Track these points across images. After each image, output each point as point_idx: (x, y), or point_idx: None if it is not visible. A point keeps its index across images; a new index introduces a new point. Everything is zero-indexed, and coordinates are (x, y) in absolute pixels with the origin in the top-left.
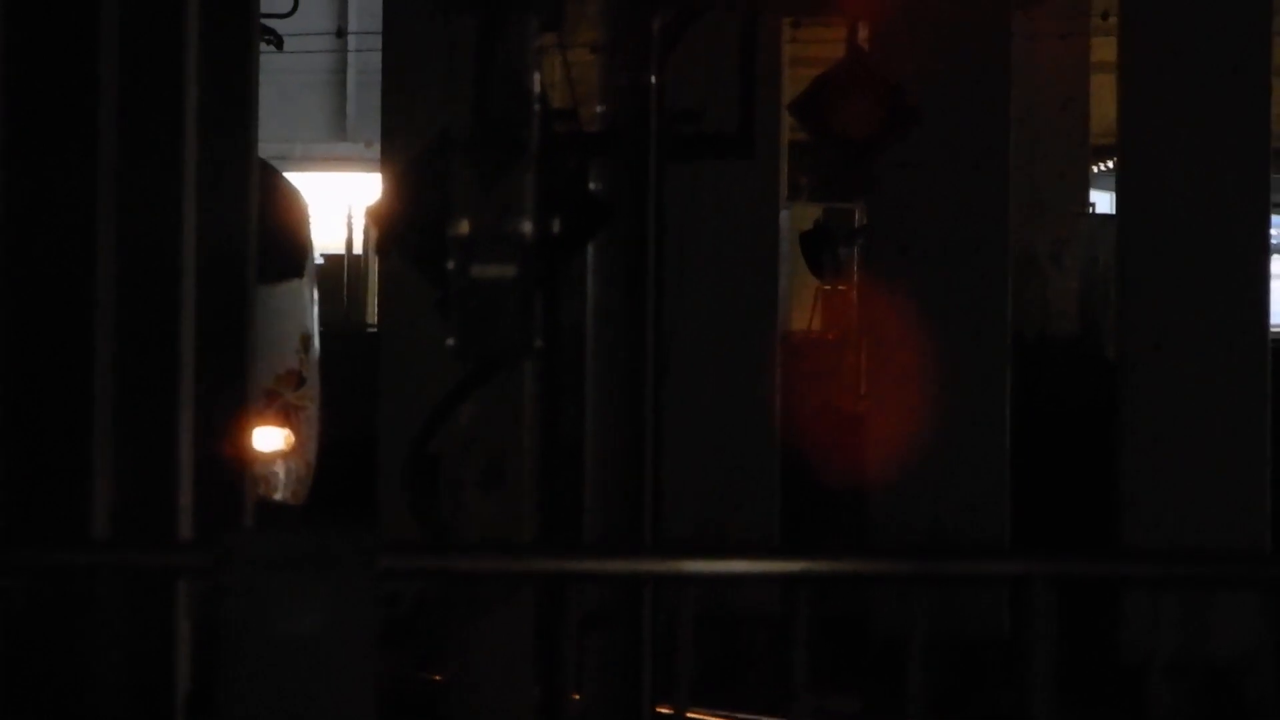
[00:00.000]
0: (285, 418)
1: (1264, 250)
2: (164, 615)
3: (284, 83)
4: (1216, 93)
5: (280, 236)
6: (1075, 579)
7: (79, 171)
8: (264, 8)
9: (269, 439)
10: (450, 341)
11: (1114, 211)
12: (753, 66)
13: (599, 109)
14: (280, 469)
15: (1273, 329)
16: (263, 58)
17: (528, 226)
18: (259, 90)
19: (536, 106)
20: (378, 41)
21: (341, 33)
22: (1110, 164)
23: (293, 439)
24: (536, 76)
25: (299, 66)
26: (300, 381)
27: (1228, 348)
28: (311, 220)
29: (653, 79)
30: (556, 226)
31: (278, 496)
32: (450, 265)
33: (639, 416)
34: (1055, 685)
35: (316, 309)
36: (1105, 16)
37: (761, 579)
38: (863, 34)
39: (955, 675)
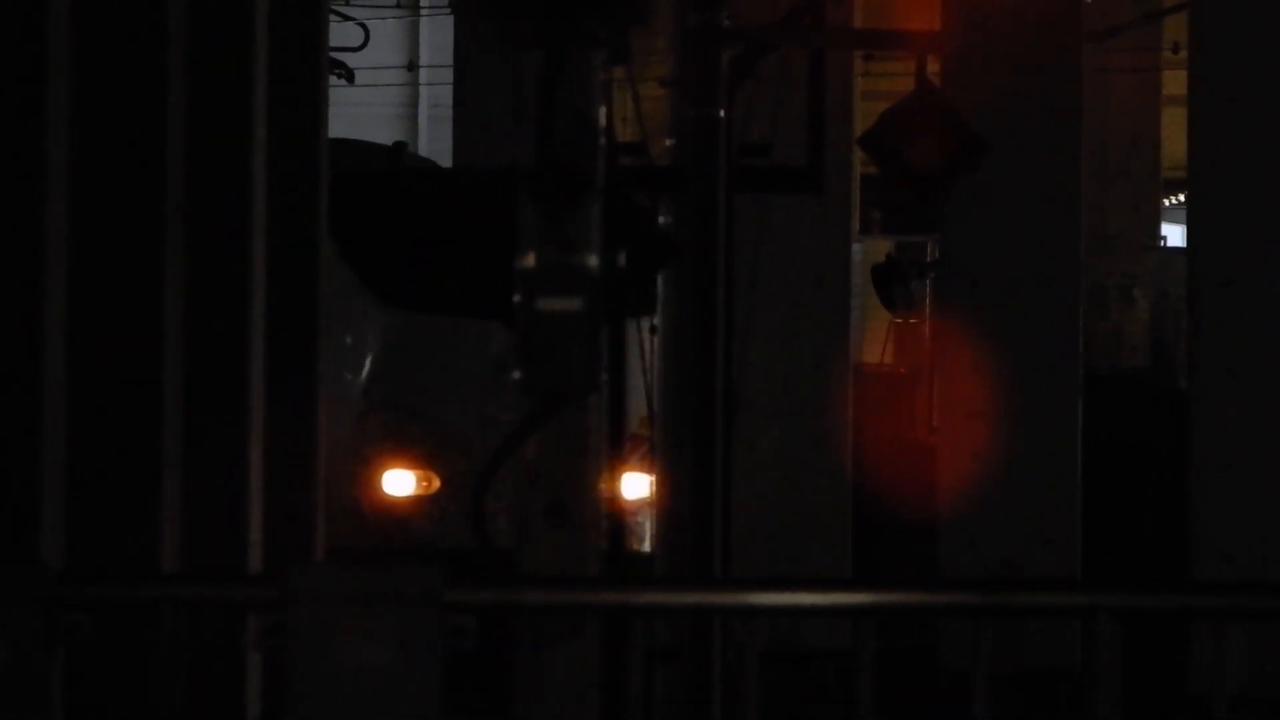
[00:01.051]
0: (650, 464)
1: None
2: (233, 649)
3: (355, 115)
4: None
5: (640, 272)
6: (1141, 611)
7: (147, 209)
8: (336, 42)
9: (634, 486)
10: (516, 375)
11: (1184, 244)
12: (821, 100)
13: (668, 143)
14: (646, 519)
15: None
16: (334, 91)
17: (594, 260)
18: (329, 123)
19: (603, 140)
20: (449, 75)
21: (413, 66)
22: (1181, 197)
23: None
24: (603, 110)
25: (371, 99)
26: None
27: None
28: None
29: (721, 113)
30: (623, 260)
31: (645, 548)
32: (516, 299)
33: (709, 451)
34: (1122, 716)
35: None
36: (1175, 50)
37: (830, 612)
38: (933, 67)
39: (1027, 708)
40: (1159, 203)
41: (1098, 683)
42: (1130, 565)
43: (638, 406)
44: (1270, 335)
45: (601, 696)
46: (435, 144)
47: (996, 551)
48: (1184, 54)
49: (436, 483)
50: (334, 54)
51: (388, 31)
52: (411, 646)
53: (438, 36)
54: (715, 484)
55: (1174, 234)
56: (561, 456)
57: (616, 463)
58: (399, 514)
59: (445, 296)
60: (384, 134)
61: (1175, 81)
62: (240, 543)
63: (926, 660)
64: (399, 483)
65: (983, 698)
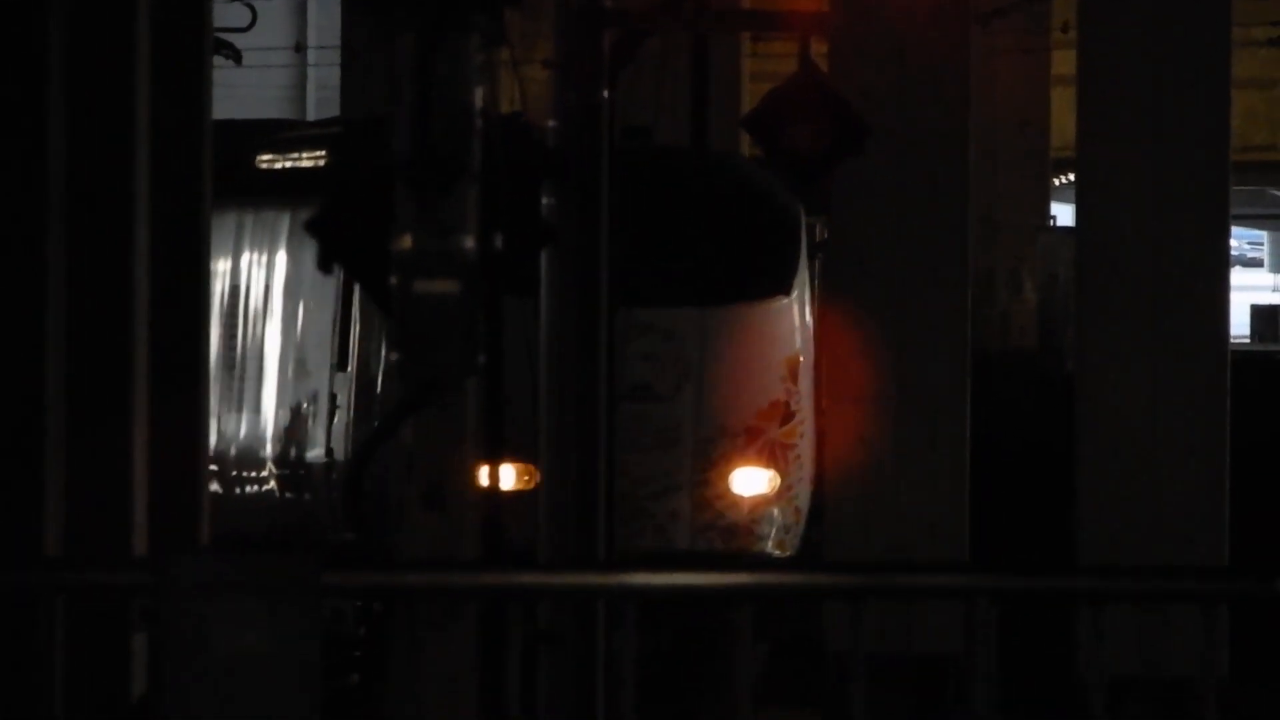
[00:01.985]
0: (770, 457)
1: (1224, 262)
2: (117, 632)
3: (244, 97)
4: (1176, 105)
5: (758, 251)
6: (1019, 594)
7: (28, 187)
8: (222, 22)
9: (751, 482)
10: (394, 358)
11: (1073, 225)
12: (704, 83)
13: (551, 124)
14: (764, 517)
15: (1234, 340)
16: (221, 72)
17: (470, 244)
18: (215, 104)
19: (479, 123)
20: (337, 56)
21: (300, 47)
22: (1070, 177)
23: (778, 482)
24: (479, 93)
25: (260, 81)
26: (788, 416)
27: (1188, 360)
28: (804, 234)
29: (605, 95)
30: (500, 244)
31: (763, 548)
32: (393, 282)
33: (593, 437)
34: (999, 696)
35: (811, 331)
36: (1065, 30)
37: (709, 594)
38: (821, 50)
39: (916, 691)
40: (1048, 184)
41: (976, 665)
42: (1019, 549)
43: (759, 394)
44: (1155, 317)
45: (482, 680)
46: None
47: (884, 537)
48: (1074, 34)
49: (534, 477)
50: (220, 35)
51: (275, 12)
52: (288, 632)
53: (325, 18)
54: (599, 469)
55: (1064, 214)
56: (438, 442)
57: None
58: (503, 509)
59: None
60: (270, 115)
61: (1065, 61)
62: (125, 529)
63: (814, 645)
64: (502, 476)
65: (860, 678)
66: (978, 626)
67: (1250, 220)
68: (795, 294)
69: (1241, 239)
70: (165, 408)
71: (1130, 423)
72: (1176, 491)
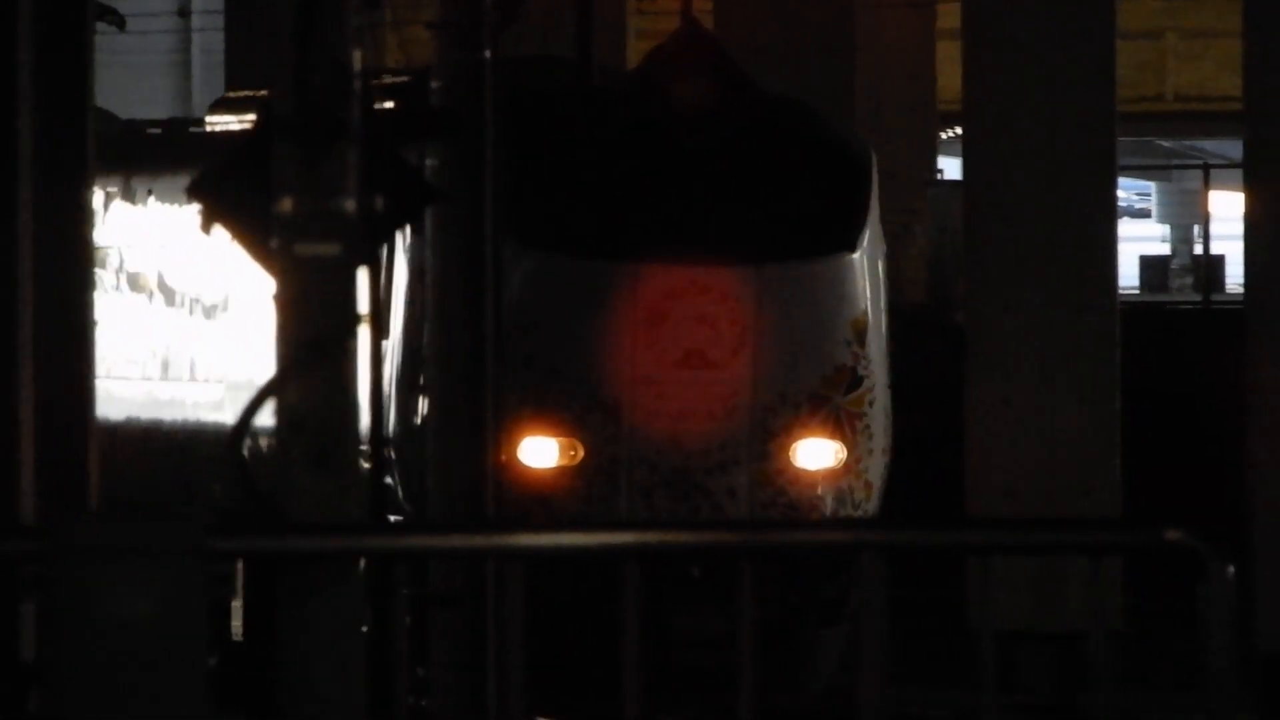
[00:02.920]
0: (835, 427)
1: (1111, 213)
2: (6, 599)
3: (129, 63)
4: (1062, 57)
5: (821, 201)
6: (906, 548)
7: None
8: None
9: (815, 454)
10: (275, 321)
11: (961, 178)
12: (588, 41)
13: (435, 85)
14: (830, 492)
15: (1123, 291)
16: (107, 38)
17: (351, 205)
18: (98, 71)
19: (358, 84)
20: (220, 21)
21: (184, 13)
22: (958, 130)
23: (845, 454)
24: (359, 54)
25: (144, 47)
26: (854, 381)
27: (1078, 310)
28: (874, 181)
29: (487, 55)
30: (381, 205)
31: None
32: (274, 244)
33: (480, 397)
34: (886, 650)
35: (882, 290)
36: None
37: (593, 553)
38: (707, 6)
39: (810, 645)
40: (935, 137)
41: (864, 617)
42: (911, 500)
43: (823, 359)
44: (1045, 268)
45: (372, 642)
46: (209, 93)
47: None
48: None
49: (581, 452)
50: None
51: None
52: (176, 597)
53: None
54: (487, 430)
55: (951, 167)
56: (323, 403)
57: (381, 410)
58: (541, 488)
59: (597, 237)
60: (155, 82)
61: (951, 15)
62: (11, 496)
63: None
64: (540, 452)
65: (748, 635)
66: (865, 580)
67: (1138, 171)
68: (862, 249)
69: (1129, 190)
70: (51, 373)
71: (1021, 373)
72: (1068, 442)
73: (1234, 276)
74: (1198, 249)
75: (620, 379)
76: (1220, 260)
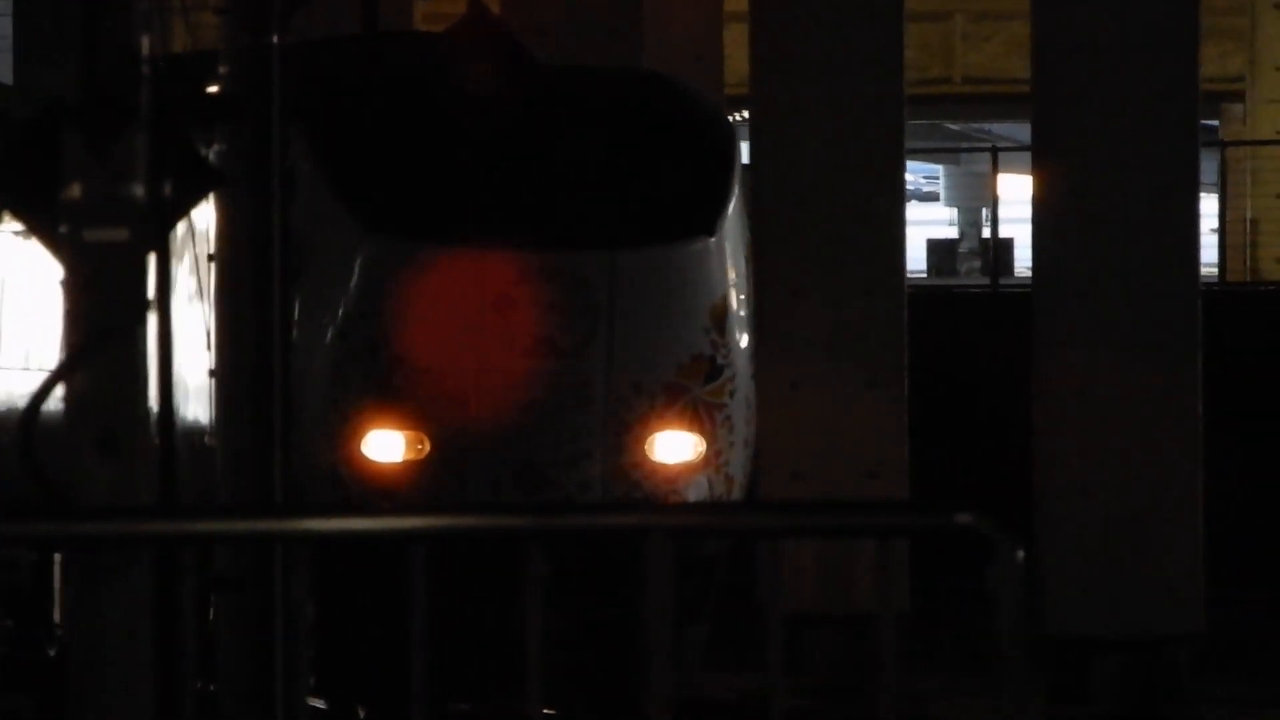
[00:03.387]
0: (694, 419)
1: (899, 196)
2: None
3: None
4: (850, 38)
5: (679, 182)
6: (695, 530)
7: None
8: None
9: (672, 447)
10: (64, 307)
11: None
12: (375, 26)
13: (222, 70)
14: (689, 487)
15: (910, 274)
16: None
17: (140, 190)
18: None
19: (146, 70)
20: (8, 7)
21: None
22: (745, 114)
23: (704, 447)
24: (146, 40)
25: None
26: (714, 371)
27: (867, 294)
28: (738, 162)
29: (275, 39)
30: (169, 190)
31: None
32: (63, 230)
33: (268, 383)
34: (675, 634)
35: (747, 276)
36: None
37: (380, 536)
38: None
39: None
40: None
41: (652, 601)
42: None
43: (678, 348)
44: (834, 251)
45: (158, 627)
46: None
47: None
48: None
49: (428, 446)
50: None
51: None
52: None
53: None
54: (275, 417)
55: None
56: (111, 388)
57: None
58: (385, 483)
59: (443, 221)
60: None
61: None
62: None
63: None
64: (385, 446)
65: (536, 615)
66: (654, 563)
67: (926, 154)
68: (722, 233)
69: (917, 173)
70: None
71: (811, 356)
72: (857, 424)
73: (1022, 260)
74: (986, 232)
75: (467, 369)
76: (1009, 244)
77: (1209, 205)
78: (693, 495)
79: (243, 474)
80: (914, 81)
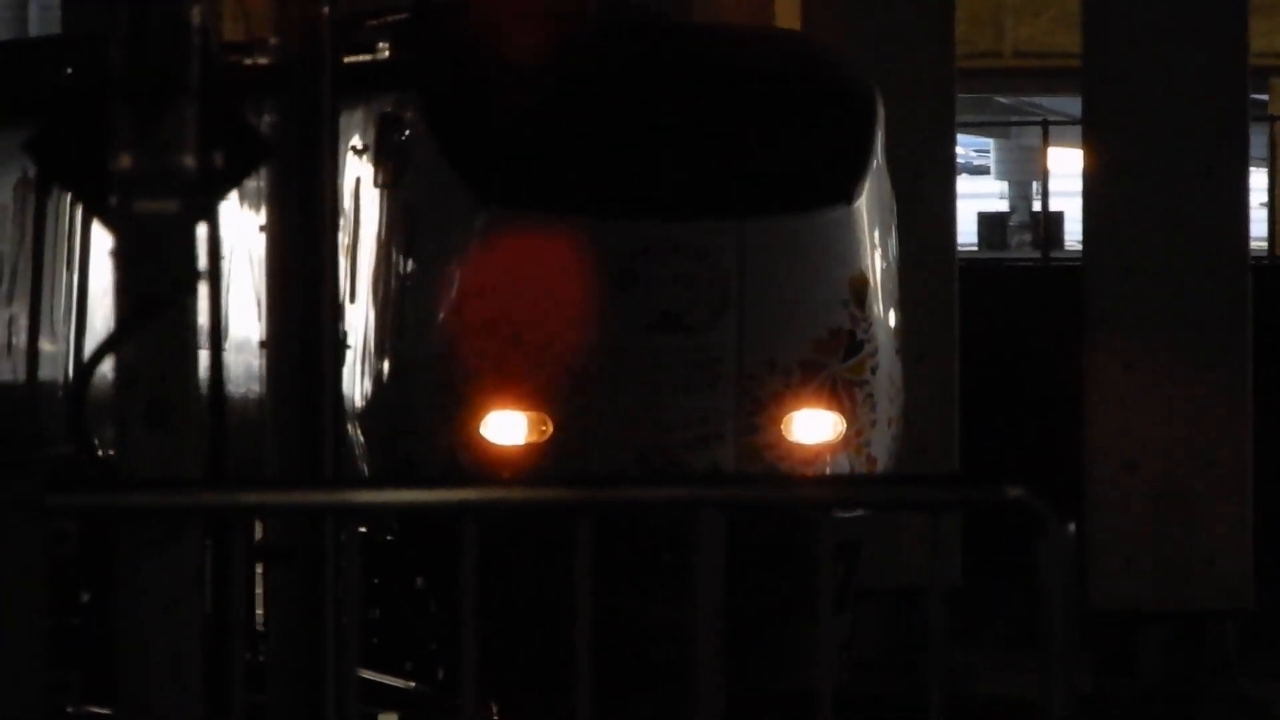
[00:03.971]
0: (832, 397)
1: (950, 169)
2: None
3: None
4: (899, 14)
5: (815, 147)
6: (749, 504)
7: None
8: None
9: (809, 427)
10: (114, 278)
11: None
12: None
13: (273, 41)
14: (825, 467)
15: (961, 248)
16: None
17: (190, 161)
18: None
19: (197, 41)
20: None
21: None
22: None
23: (844, 426)
24: (197, 10)
25: None
26: (853, 347)
27: (918, 269)
28: (879, 124)
29: (325, 11)
30: (219, 161)
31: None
32: (113, 201)
33: (317, 357)
34: (724, 603)
35: (892, 245)
36: None
37: (428, 509)
38: None
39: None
40: None
41: (703, 573)
42: None
43: (815, 322)
44: None
45: (212, 597)
46: None
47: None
48: None
49: (551, 428)
50: None
51: None
52: (11, 553)
53: None
54: (325, 388)
55: None
56: (161, 359)
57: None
58: (506, 467)
59: (562, 191)
60: None
61: None
62: None
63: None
64: (506, 428)
65: (585, 594)
66: (704, 536)
67: (976, 128)
68: (862, 200)
69: (968, 146)
70: None
71: None
72: (908, 399)
73: (1073, 234)
74: (1036, 206)
75: (590, 346)
76: (1059, 217)
77: (1258, 180)
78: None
79: (292, 446)
80: (965, 55)
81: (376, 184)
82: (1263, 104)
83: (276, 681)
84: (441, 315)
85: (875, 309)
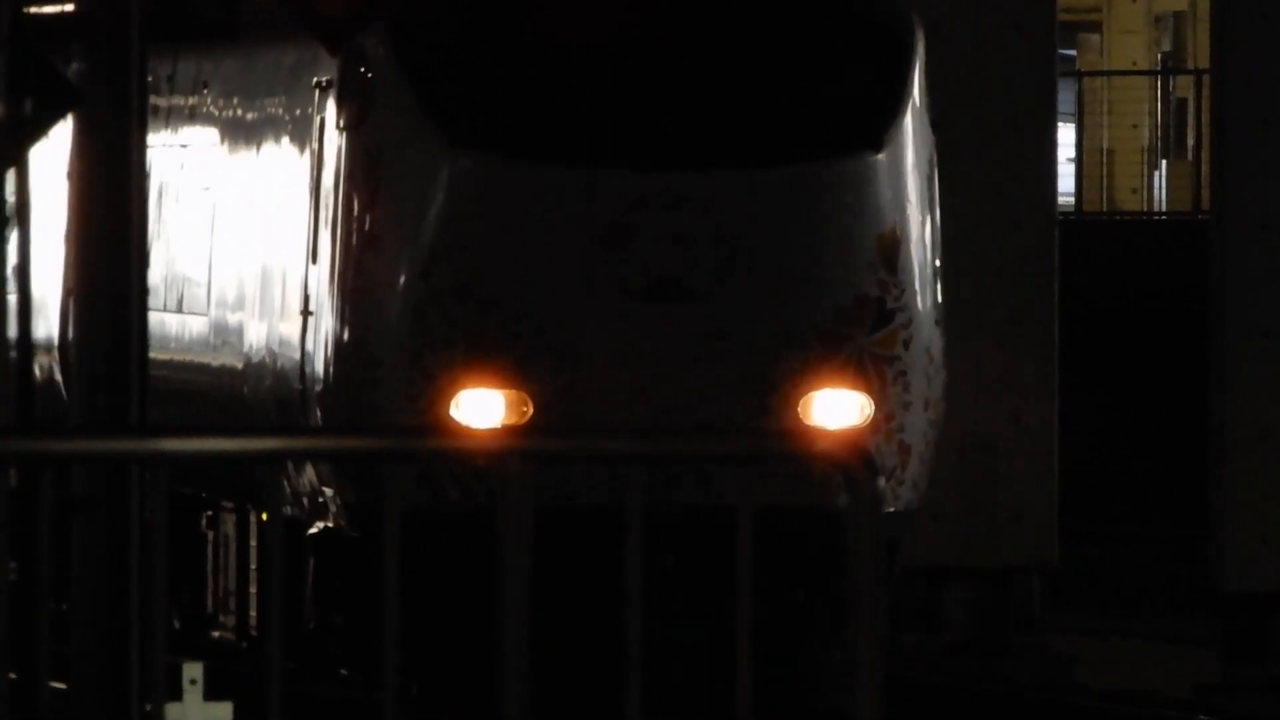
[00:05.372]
0: (858, 375)
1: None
2: None
3: None
4: None
5: (839, 85)
6: (670, 457)
7: None
8: None
9: (831, 408)
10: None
11: None
12: None
13: None
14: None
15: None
16: None
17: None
18: None
19: None
20: None
21: None
22: None
23: (871, 409)
24: None
25: None
26: (883, 316)
27: (1015, 228)
28: (918, 61)
29: None
30: (28, 109)
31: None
32: None
33: (125, 306)
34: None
35: (930, 201)
36: None
37: (240, 458)
38: None
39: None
40: None
41: (630, 522)
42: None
43: (837, 289)
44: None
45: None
46: None
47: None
48: None
49: (531, 409)
50: None
51: None
52: None
53: None
54: (131, 338)
55: None
56: None
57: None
58: (481, 456)
59: (545, 135)
60: None
61: None
62: None
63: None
64: (479, 409)
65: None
66: (630, 492)
67: None
68: (893, 148)
69: None
70: None
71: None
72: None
73: None
74: None
75: (576, 316)
76: None
77: (1066, 135)
78: None
79: (98, 395)
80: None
81: (338, 126)
82: (1071, 59)
83: (80, 632)
84: (405, 279)
85: (909, 273)
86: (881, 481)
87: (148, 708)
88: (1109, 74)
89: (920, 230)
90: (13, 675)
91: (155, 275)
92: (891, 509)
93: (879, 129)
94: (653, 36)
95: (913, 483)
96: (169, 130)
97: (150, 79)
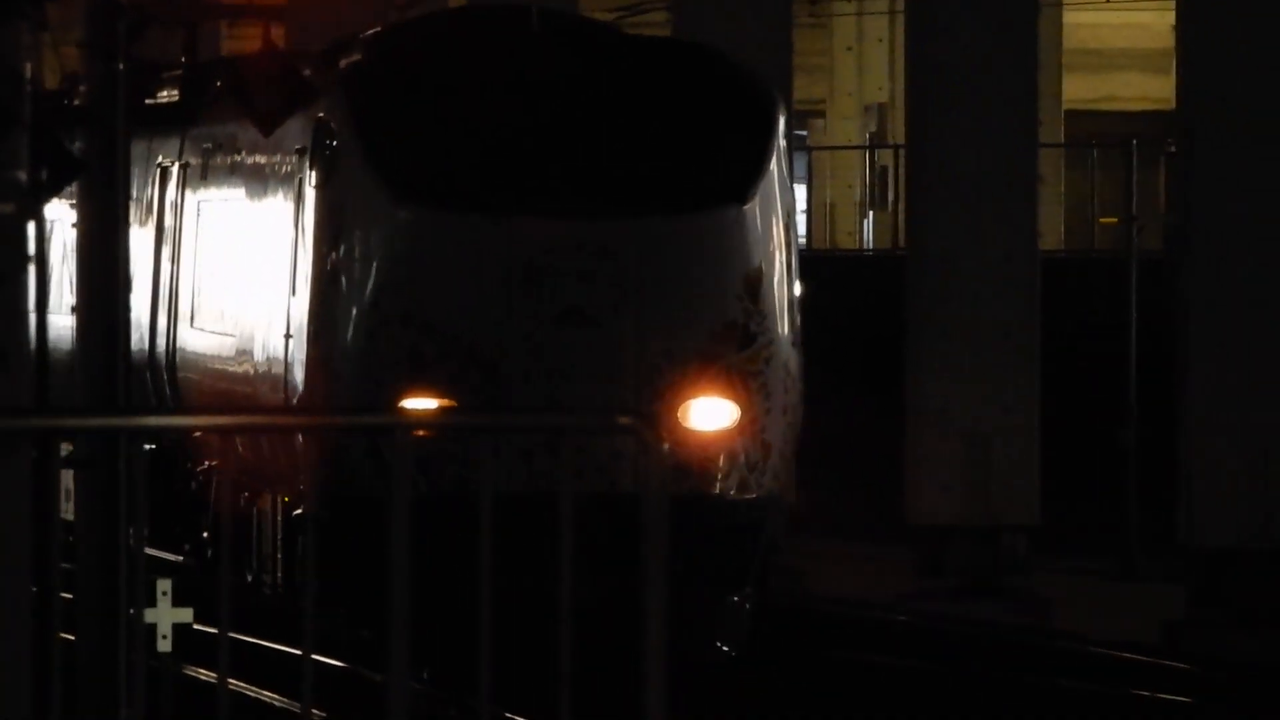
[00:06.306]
0: (728, 386)
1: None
2: None
3: None
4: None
5: (712, 149)
6: (510, 427)
7: None
8: None
9: (705, 415)
10: None
11: None
12: (193, 56)
13: (83, 89)
14: (722, 454)
15: None
16: None
17: (22, 175)
18: None
19: (29, 87)
20: None
21: None
22: None
23: (739, 414)
24: (29, 65)
25: None
26: (747, 339)
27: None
28: (778, 128)
29: (120, 66)
30: (44, 176)
31: (726, 490)
32: None
33: (113, 312)
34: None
35: (790, 242)
36: None
37: (201, 430)
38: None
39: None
40: None
41: (397, 495)
42: None
43: (710, 315)
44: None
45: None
46: None
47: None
48: None
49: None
50: None
51: None
52: None
53: None
54: (119, 340)
55: None
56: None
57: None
58: (417, 449)
59: (472, 190)
60: None
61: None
62: None
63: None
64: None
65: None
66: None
67: None
68: (756, 201)
69: None
70: None
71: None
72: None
73: None
74: None
75: (499, 338)
76: None
77: (799, 193)
78: (726, 463)
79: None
80: None
81: (312, 184)
82: (803, 138)
83: (84, 565)
84: (360, 309)
85: (770, 303)
86: (666, 448)
87: (132, 611)
88: (831, 148)
89: (781, 268)
90: (34, 588)
91: (197, 302)
92: (755, 495)
93: (746, 185)
94: (562, 112)
95: (774, 473)
96: (206, 185)
97: (208, 145)
